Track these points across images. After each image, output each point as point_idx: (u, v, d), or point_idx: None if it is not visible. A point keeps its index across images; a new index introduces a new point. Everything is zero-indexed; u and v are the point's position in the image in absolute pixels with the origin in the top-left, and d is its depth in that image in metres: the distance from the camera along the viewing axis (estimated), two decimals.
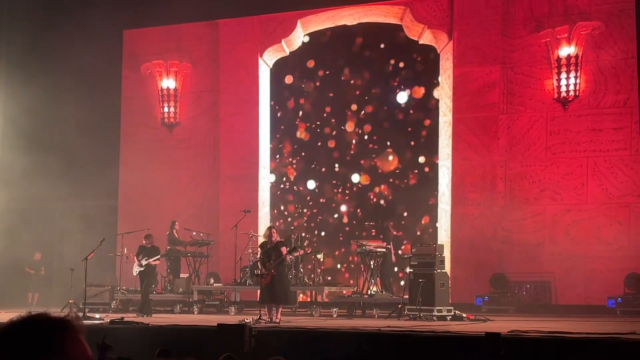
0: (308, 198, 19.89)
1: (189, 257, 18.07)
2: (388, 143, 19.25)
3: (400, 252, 17.52)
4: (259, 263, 14.30)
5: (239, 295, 16.96)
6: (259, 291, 14.41)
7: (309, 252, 17.38)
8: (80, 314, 14.41)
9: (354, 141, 19.59)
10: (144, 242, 16.39)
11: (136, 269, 16.26)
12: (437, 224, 18.54)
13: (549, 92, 17.48)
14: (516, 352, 9.04)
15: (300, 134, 20.10)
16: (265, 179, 20.22)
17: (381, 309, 15.33)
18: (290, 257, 15.42)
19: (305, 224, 18.67)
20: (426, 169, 18.92)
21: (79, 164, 20.57)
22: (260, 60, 20.15)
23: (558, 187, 17.26)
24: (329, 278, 18.13)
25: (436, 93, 18.81)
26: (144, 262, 16.04)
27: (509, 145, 17.70)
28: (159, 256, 16.27)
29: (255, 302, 15.28)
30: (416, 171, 19.03)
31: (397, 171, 19.16)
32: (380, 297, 15.84)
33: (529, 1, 17.75)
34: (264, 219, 19.81)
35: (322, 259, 17.31)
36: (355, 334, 10.82)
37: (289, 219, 19.61)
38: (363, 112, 19.52)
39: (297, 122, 20.14)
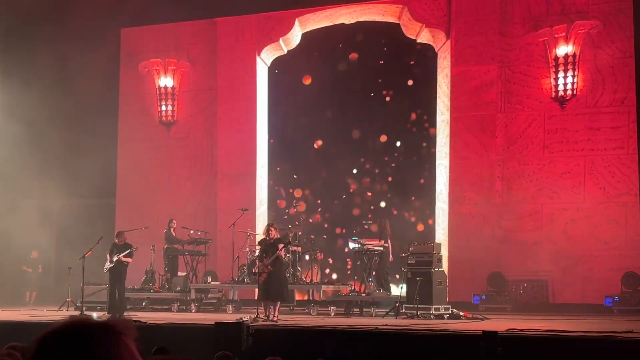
0: (305, 196, 19.92)
1: (186, 255, 18.07)
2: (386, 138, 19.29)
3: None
4: (257, 260, 14.31)
5: (236, 294, 16.98)
6: (257, 289, 14.41)
7: (306, 250, 17.36)
8: (78, 312, 14.41)
9: (354, 139, 19.61)
10: (115, 240, 15.82)
11: (107, 266, 15.61)
12: (435, 223, 18.56)
13: (547, 91, 17.49)
14: (513, 350, 9.05)
15: (299, 133, 20.09)
16: (263, 177, 20.23)
17: (379, 307, 15.35)
18: (288, 255, 15.42)
19: (303, 219, 18.60)
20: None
21: (77, 162, 20.57)
22: (258, 59, 20.15)
23: (555, 185, 17.27)
24: (327, 277, 18.14)
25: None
26: (114, 258, 15.43)
27: (507, 144, 17.71)
28: (129, 251, 15.46)
29: (252, 301, 15.28)
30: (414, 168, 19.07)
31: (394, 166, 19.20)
32: (378, 295, 15.85)
33: (526, 0, 17.77)
34: (262, 218, 19.81)
35: (319, 257, 17.30)
36: (353, 332, 10.83)
37: (285, 217, 19.62)
38: (361, 109, 19.53)
39: (295, 121, 20.13)
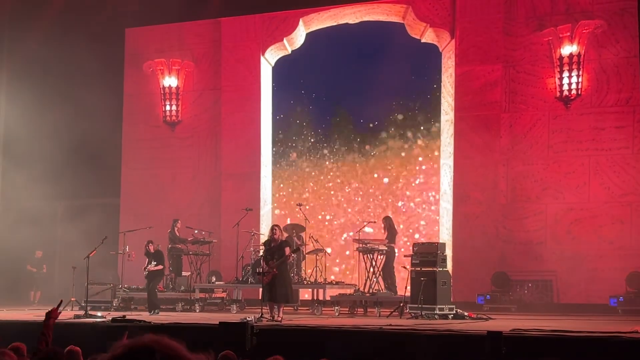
0: (309, 194, 19.90)
1: (190, 255, 18.08)
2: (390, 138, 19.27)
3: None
4: (262, 261, 14.30)
5: (240, 294, 16.98)
6: (261, 289, 14.41)
7: (311, 250, 17.35)
8: (82, 312, 14.43)
9: (355, 139, 19.59)
10: (149, 246, 16.63)
11: (145, 273, 16.53)
12: (439, 223, 18.55)
13: (551, 91, 17.47)
14: (518, 350, 9.03)
15: (302, 131, 20.09)
16: (267, 177, 20.23)
17: (383, 307, 15.34)
18: (293, 255, 15.41)
19: (306, 221, 18.57)
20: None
21: (81, 162, 20.61)
22: (262, 59, 20.16)
23: (560, 185, 17.25)
24: (332, 277, 18.13)
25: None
26: (149, 268, 16.32)
27: (511, 143, 17.69)
28: (156, 263, 16.39)
29: (257, 301, 15.29)
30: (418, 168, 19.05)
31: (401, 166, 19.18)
32: (383, 295, 15.84)
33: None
34: (266, 217, 19.83)
35: (323, 257, 17.28)
36: (357, 332, 10.82)
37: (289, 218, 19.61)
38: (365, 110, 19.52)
39: (298, 120, 20.14)
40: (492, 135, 17.83)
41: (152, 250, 16.55)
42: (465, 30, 18.27)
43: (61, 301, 7.32)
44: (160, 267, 16.47)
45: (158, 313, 15.50)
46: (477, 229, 17.72)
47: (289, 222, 18.81)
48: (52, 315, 6.09)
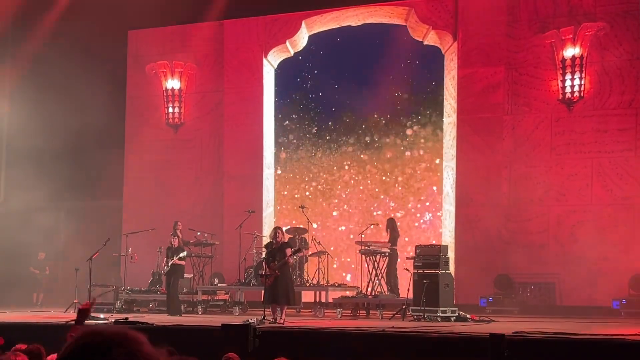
0: (311, 197, 19.91)
1: (193, 257, 18.08)
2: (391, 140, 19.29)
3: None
4: (263, 263, 14.31)
5: (243, 296, 16.98)
6: (263, 291, 14.42)
7: (313, 252, 17.35)
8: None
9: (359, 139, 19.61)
10: (173, 240, 16.40)
11: (164, 270, 16.39)
12: (442, 225, 18.56)
13: (554, 93, 17.46)
14: (520, 353, 9.02)
15: (304, 133, 20.11)
16: (270, 179, 20.24)
17: (385, 309, 15.33)
18: (295, 257, 15.42)
19: (308, 224, 18.57)
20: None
21: (84, 164, 20.63)
22: (264, 61, 20.17)
23: (563, 188, 17.24)
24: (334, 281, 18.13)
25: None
26: (170, 262, 16.06)
27: (514, 146, 17.67)
28: (184, 254, 16.13)
29: (259, 303, 15.29)
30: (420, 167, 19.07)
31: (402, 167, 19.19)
32: (385, 297, 15.83)
33: (533, 2, 17.74)
34: (269, 219, 19.83)
35: (325, 259, 17.29)
36: (359, 334, 10.81)
37: (293, 221, 19.61)
38: (367, 112, 19.54)
39: (300, 123, 20.15)
40: (495, 137, 17.82)
41: (175, 245, 16.27)
42: (467, 32, 18.27)
43: (94, 299, 7.52)
44: (183, 262, 16.22)
45: (179, 315, 15.57)
46: (480, 231, 17.70)
47: (289, 221, 18.81)
48: (85, 313, 5.82)
